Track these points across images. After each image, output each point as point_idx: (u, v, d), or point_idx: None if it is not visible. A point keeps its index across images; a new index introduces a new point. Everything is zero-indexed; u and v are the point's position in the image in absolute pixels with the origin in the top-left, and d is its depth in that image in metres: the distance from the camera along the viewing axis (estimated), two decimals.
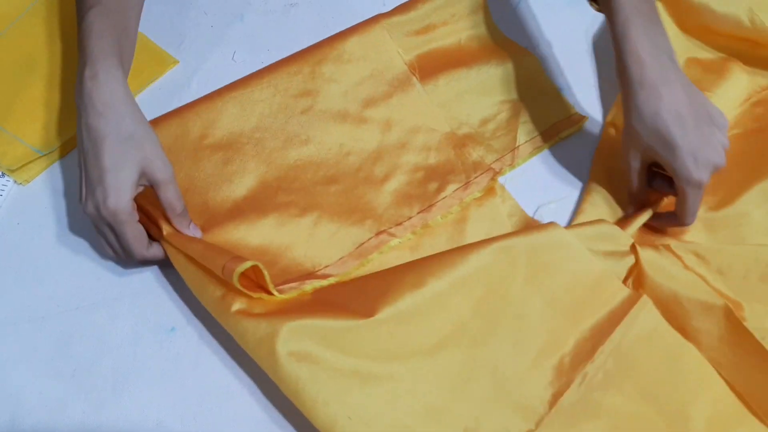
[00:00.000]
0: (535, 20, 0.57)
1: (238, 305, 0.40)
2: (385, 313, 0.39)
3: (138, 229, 0.42)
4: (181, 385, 0.43)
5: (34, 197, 0.49)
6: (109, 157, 0.40)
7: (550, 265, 0.42)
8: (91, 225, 0.47)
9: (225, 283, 0.41)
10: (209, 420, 0.42)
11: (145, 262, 0.45)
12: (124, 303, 0.45)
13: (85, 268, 0.46)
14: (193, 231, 0.45)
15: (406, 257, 0.46)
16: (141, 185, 0.42)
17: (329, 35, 0.55)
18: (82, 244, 0.47)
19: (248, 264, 0.39)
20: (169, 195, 0.42)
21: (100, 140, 0.40)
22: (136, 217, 0.42)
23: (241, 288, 0.40)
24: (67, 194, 0.49)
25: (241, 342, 0.41)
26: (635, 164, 0.44)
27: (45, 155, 0.50)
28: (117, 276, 0.46)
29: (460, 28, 0.55)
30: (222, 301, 0.41)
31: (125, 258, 0.44)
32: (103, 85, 0.41)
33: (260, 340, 0.39)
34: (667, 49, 0.42)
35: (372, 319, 0.39)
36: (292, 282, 0.44)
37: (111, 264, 0.47)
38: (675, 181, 0.42)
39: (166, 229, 0.44)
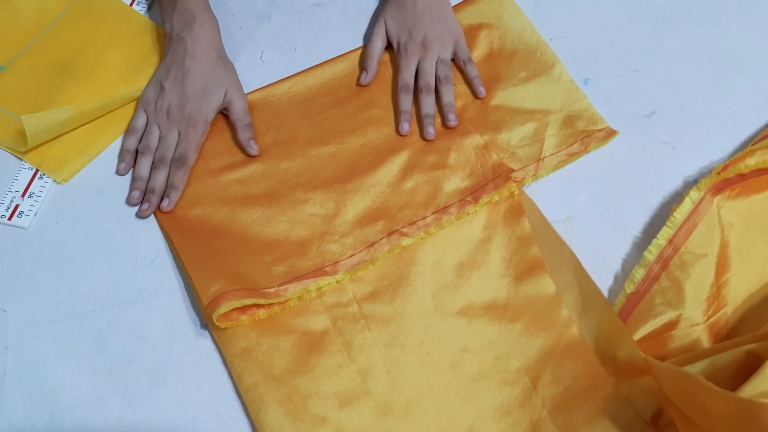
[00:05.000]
0: (559, 12, 0.57)
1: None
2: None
3: (202, 141, 0.50)
4: (216, 381, 0.44)
5: (71, 197, 0.50)
6: (207, 77, 0.50)
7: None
8: (126, 227, 0.49)
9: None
10: (244, 416, 0.43)
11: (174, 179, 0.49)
12: (160, 300, 0.46)
13: (121, 267, 0.47)
14: (252, 146, 0.50)
15: (418, 257, 0.47)
16: (224, 104, 0.51)
17: (354, 33, 0.56)
18: (119, 243, 0.48)
19: (223, 309, 0.43)
20: (240, 109, 0.51)
21: (203, 62, 0.50)
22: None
23: (220, 324, 0.44)
24: (104, 194, 0.50)
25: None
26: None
27: (82, 155, 0.51)
28: (152, 273, 0.47)
29: (493, 34, 0.55)
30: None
31: (168, 164, 0.49)
32: (209, 32, 0.52)
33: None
34: None
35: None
36: (299, 280, 0.45)
37: (146, 262, 0.48)
38: None
39: (176, 240, 0.47)
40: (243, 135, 0.50)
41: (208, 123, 0.50)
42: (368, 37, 0.55)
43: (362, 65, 0.54)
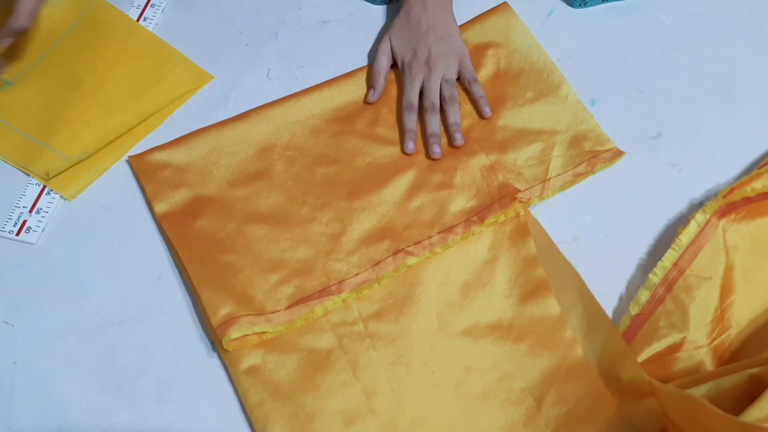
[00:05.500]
0: (566, 32, 0.57)
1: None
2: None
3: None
4: (223, 397, 0.44)
5: (78, 213, 0.50)
6: None
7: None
8: (133, 243, 0.49)
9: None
10: None
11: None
12: (166, 316, 0.46)
13: (128, 283, 0.48)
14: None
15: (423, 276, 0.47)
16: None
17: (361, 51, 0.56)
18: (126, 259, 0.49)
19: (234, 335, 0.43)
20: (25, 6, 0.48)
21: None
22: None
23: (228, 348, 0.44)
24: (111, 210, 0.50)
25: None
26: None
27: (89, 171, 0.51)
28: (159, 290, 0.47)
29: (500, 53, 0.55)
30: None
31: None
32: None
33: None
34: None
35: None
36: (306, 302, 0.45)
37: (153, 278, 0.48)
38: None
39: (184, 256, 0.47)
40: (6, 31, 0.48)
41: None
42: (374, 54, 0.55)
43: (369, 83, 0.54)
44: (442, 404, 0.44)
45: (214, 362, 0.45)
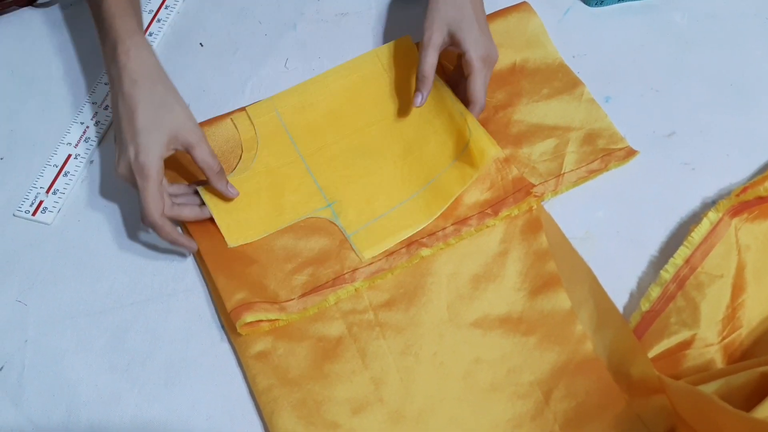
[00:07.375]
0: (582, 30, 0.57)
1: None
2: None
3: (158, 191, 0.44)
4: (231, 382, 0.44)
5: (94, 196, 0.51)
6: (143, 120, 0.44)
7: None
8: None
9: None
10: (257, 418, 0.43)
11: (164, 234, 0.44)
12: (178, 300, 0.47)
13: (141, 265, 0.48)
14: (231, 190, 0.47)
15: (434, 267, 0.47)
16: (172, 149, 0.45)
17: (378, 44, 0.57)
18: (139, 242, 0.49)
19: (248, 319, 0.44)
20: (204, 154, 0.45)
21: (134, 105, 0.44)
22: (161, 179, 0.44)
23: (242, 332, 0.44)
24: (126, 193, 0.51)
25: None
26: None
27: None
28: (171, 273, 0.48)
29: (517, 51, 0.56)
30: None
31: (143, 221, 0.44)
32: (137, 59, 0.45)
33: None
34: None
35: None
36: (319, 291, 0.46)
37: (166, 261, 0.48)
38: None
39: (200, 242, 0.47)
40: (219, 183, 0.46)
41: (155, 168, 0.43)
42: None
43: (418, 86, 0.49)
44: (449, 395, 0.44)
45: (224, 346, 0.45)
